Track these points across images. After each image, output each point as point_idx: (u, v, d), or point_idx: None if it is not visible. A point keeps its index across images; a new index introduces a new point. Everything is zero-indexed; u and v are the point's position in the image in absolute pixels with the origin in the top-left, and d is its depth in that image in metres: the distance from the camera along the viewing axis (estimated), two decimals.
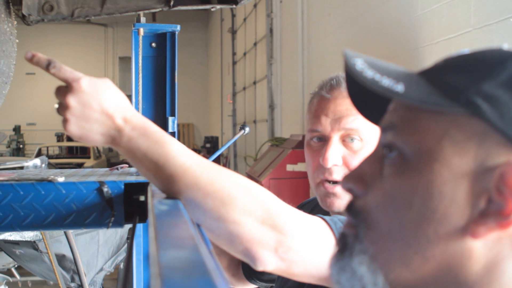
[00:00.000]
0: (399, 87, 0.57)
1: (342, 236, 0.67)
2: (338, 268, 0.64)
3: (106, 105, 0.94)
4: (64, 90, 0.95)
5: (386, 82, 0.57)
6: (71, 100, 0.93)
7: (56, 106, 0.96)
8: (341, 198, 1.30)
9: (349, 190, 0.67)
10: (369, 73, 0.58)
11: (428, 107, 0.57)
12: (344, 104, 1.30)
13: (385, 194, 0.61)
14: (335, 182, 1.30)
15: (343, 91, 1.32)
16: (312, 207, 1.55)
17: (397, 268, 0.60)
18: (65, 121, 0.94)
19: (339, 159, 1.28)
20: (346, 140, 1.29)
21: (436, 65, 0.63)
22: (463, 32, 3.83)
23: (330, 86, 1.35)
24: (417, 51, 4.56)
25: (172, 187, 0.92)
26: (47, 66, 0.97)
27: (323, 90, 1.36)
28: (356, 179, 0.65)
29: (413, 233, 0.58)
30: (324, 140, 1.31)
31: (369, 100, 0.69)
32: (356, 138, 1.28)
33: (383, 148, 0.64)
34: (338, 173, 1.29)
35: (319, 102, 1.35)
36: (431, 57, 4.34)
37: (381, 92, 0.57)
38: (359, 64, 0.59)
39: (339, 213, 1.31)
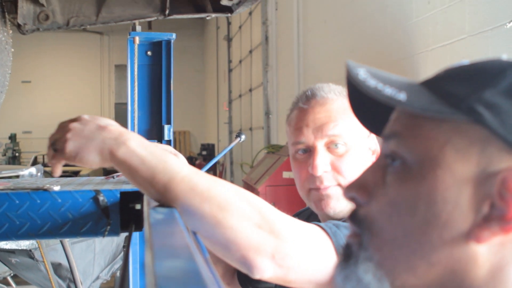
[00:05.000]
0: (402, 96, 0.58)
1: (346, 245, 0.67)
2: (343, 277, 0.65)
3: (103, 122, 1.00)
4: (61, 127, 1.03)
5: (388, 90, 0.58)
6: (73, 123, 1.01)
7: (52, 146, 1.03)
8: (335, 199, 1.31)
9: (351, 199, 0.67)
10: (372, 82, 0.59)
11: (430, 114, 0.58)
12: (322, 112, 1.32)
13: (389, 201, 0.62)
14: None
15: (319, 100, 1.34)
16: (308, 215, 1.56)
17: (402, 275, 0.60)
18: (64, 142, 0.99)
19: (328, 166, 1.30)
20: (330, 146, 1.31)
21: (437, 75, 0.64)
22: (458, 39, 3.85)
23: (306, 97, 1.37)
24: (412, 58, 4.57)
25: (168, 194, 0.93)
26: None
27: (300, 103, 1.38)
28: (359, 188, 0.66)
29: (417, 239, 0.59)
30: (309, 151, 1.33)
31: (371, 110, 0.70)
32: (340, 143, 1.30)
33: (386, 157, 0.65)
34: (329, 180, 1.30)
35: (298, 115, 1.36)
36: (426, 64, 4.36)
37: (384, 101, 0.58)
38: (362, 73, 0.60)
39: (334, 216, 1.33)
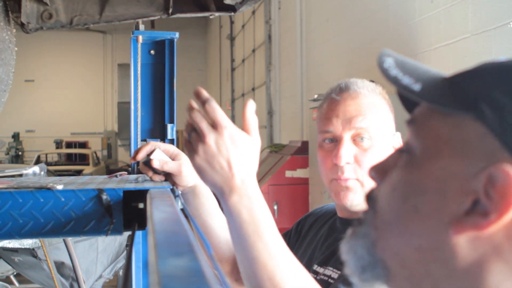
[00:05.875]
0: (417, 86, 0.61)
1: (358, 220, 0.70)
2: (347, 248, 0.68)
3: (234, 162, 1.00)
4: (203, 128, 1.01)
5: (406, 80, 0.62)
6: (212, 139, 1.00)
7: (186, 135, 1.04)
8: (354, 192, 1.35)
9: (372, 177, 0.71)
10: (393, 71, 0.63)
11: (437, 106, 0.61)
12: (353, 105, 1.36)
13: (390, 185, 0.65)
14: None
15: (351, 93, 1.38)
16: (317, 216, 1.58)
17: (390, 257, 0.63)
18: (194, 152, 1.01)
19: (351, 157, 1.34)
20: (356, 139, 1.35)
21: (467, 70, 0.65)
22: (461, 38, 3.84)
23: (339, 89, 1.41)
24: (415, 57, 4.57)
25: (251, 273, 0.98)
26: (204, 102, 1.03)
27: (332, 93, 1.41)
28: (379, 168, 0.69)
29: (405, 224, 0.61)
30: (335, 141, 1.37)
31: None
32: (365, 137, 1.34)
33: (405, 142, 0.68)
34: (350, 172, 1.34)
35: (330, 105, 1.40)
36: (429, 63, 4.35)
37: (400, 89, 0.62)
38: (387, 62, 0.64)
39: (350, 208, 1.38)
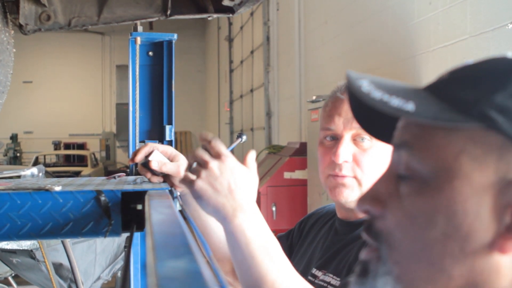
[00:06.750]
0: (410, 106, 0.56)
1: (364, 262, 0.65)
2: None
3: (234, 183, 1.06)
4: (206, 157, 1.08)
5: (395, 101, 0.56)
6: (214, 165, 1.07)
7: (195, 165, 1.09)
8: (349, 188, 1.36)
9: (366, 211, 0.65)
10: (377, 94, 0.57)
11: (442, 124, 0.56)
12: None
13: (406, 214, 0.60)
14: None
15: None
16: (318, 217, 1.58)
17: None
18: (197, 177, 1.06)
19: (349, 156, 1.35)
20: (357, 139, 1.36)
21: (441, 78, 0.61)
22: (460, 39, 3.85)
23: (345, 88, 1.42)
24: (414, 59, 4.57)
25: (252, 282, 1.00)
26: (209, 142, 1.10)
27: (338, 92, 1.42)
28: (372, 199, 0.64)
29: (437, 252, 0.57)
30: (336, 139, 1.38)
31: (375, 118, 0.67)
32: (366, 138, 1.35)
33: (398, 167, 0.63)
34: (348, 169, 1.36)
35: (334, 103, 1.41)
36: (427, 65, 4.35)
37: (392, 113, 0.56)
38: (365, 85, 0.58)
39: (345, 204, 1.39)
